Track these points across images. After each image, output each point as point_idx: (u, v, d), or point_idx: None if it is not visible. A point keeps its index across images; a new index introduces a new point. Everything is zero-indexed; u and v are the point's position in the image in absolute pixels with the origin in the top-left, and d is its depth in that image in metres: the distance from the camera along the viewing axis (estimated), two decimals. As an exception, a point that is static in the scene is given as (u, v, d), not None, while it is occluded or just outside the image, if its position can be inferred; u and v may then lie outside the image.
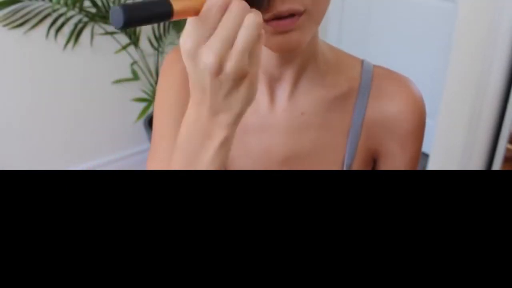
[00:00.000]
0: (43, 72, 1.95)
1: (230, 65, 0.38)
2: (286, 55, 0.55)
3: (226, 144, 0.43)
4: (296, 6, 0.45)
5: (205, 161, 0.44)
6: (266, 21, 0.46)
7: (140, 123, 2.24)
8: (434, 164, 1.88)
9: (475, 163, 1.76)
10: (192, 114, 0.44)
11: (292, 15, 0.46)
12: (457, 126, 1.76)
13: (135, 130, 2.27)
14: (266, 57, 0.56)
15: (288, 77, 0.58)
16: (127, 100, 2.17)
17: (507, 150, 1.72)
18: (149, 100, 2.13)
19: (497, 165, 1.74)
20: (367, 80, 0.60)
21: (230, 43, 0.38)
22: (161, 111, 0.62)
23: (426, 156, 1.92)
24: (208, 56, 0.38)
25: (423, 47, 2.24)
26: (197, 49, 0.39)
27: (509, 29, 1.56)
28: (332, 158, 0.61)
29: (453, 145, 1.79)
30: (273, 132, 0.60)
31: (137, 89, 2.17)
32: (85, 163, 2.18)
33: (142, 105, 2.15)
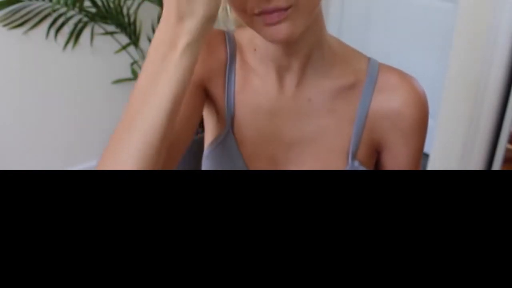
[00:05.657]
0: (43, 72, 1.95)
1: None
2: (291, 46, 0.59)
3: (189, 48, 0.46)
4: (281, 4, 0.49)
5: (170, 67, 0.47)
6: (256, 15, 0.50)
7: (140, 123, 2.24)
8: (434, 164, 1.88)
9: (475, 163, 1.76)
10: (160, 28, 0.47)
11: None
12: (457, 126, 1.76)
13: (135, 130, 2.27)
14: (273, 47, 0.60)
15: (295, 66, 0.61)
16: (127, 100, 2.16)
17: (507, 150, 1.72)
18: (149, 100, 2.13)
19: (497, 165, 1.74)
20: (373, 74, 0.62)
21: None
22: None
23: (426, 156, 1.92)
24: None
25: (423, 47, 2.24)
26: None
27: (509, 29, 1.56)
28: (338, 144, 0.63)
29: (453, 145, 1.79)
30: (282, 115, 0.63)
31: (137, 89, 2.17)
32: (84, 163, 2.18)
33: (142, 105, 2.14)
